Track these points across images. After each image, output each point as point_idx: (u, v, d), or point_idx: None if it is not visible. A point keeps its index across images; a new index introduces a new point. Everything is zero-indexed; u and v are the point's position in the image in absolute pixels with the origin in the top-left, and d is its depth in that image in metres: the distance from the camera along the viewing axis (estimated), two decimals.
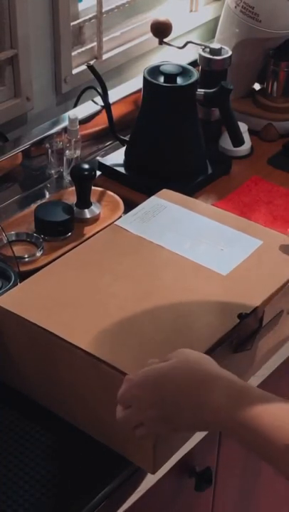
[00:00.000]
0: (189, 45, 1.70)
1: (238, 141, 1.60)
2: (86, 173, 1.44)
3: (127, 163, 1.60)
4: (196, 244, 1.23)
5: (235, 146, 1.62)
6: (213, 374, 0.91)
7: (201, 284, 1.15)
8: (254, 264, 1.19)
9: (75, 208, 1.44)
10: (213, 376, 0.91)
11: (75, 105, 1.69)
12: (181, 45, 1.70)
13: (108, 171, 1.60)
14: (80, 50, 1.70)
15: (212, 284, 1.15)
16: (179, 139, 1.56)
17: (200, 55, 1.67)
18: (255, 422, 0.86)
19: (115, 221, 1.31)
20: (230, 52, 1.67)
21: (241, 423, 0.87)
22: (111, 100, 1.64)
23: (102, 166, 1.60)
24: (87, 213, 1.45)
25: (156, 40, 1.68)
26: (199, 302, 1.11)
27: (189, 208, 1.31)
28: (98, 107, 1.66)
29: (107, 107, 1.63)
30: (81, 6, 1.70)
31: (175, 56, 1.76)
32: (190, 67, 1.56)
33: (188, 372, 0.92)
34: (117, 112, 1.67)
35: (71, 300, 1.11)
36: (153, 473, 1.07)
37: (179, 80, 1.53)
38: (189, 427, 0.97)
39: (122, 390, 0.95)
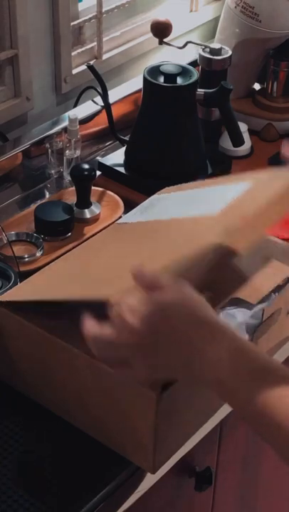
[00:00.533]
0: (189, 45, 1.70)
1: (238, 141, 1.60)
2: (86, 173, 1.44)
3: (127, 163, 1.60)
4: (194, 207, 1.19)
5: (235, 146, 1.62)
6: (219, 323, 0.86)
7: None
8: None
9: (74, 208, 1.44)
10: (219, 325, 0.85)
11: (75, 105, 1.69)
12: (181, 45, 1.70)
13: (108, 171, 1.60)
14: (80, 50, 1.70)
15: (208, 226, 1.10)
16: (179, 139, 1.56)
17: (200, 55, 1.67)
18: (253, 388, 0.82)
19: (115, 221, 1.31)
20: (230, 52, 1.67)
21: (238, 386, 0.83)
22: (111, 100, 1.64)
23: (102, 166, 1.60)
24: (87, 213, 1.45)
25: (156, 40, 1.68)
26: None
27: (190, 188, 1.29)
28: (98, 107, 1.66)
29: (107, 107, 1.63)
30: (81, 6, 1.70)
31: (175, 56, 1.76)
32: (190, 67, 1.56)
33: (191, 312, 0.86)
34: (117, 112, 1.67)
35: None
36: (153, 473, 1.07)
37: (179, 80, 1.53)
38: (175, 368, 0.88)
39: (113, 312, 0.87)
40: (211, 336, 0.85)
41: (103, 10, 1.70)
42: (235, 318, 1.14)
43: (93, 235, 1.33)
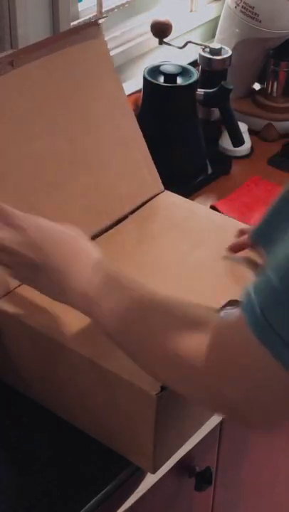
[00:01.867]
0: (189, 45, 1.70)
1: (238, 141, 1.60)
2: None
3: None
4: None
5: (235, 146, 1.62)
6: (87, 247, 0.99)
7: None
8: None
9: None
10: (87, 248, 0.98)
11: None
12: (181, 45, 1.70)
13: None
14: None
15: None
16: (179, 138, 1.56)
17: (200, 55, 1.68)
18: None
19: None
20: (230, 52, 1.67)
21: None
22: None
23: None
24: None
25: (156, 40, 1.68)
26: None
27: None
28: None
29: None
30: (81, 6, 1.70)
31: (175, 56, 1.76)
32: (190, 67, 1.56)
33: (68, 236, 1.00)
34: None
35: None
36: (153, 473, 1.07)
37: (179, 80, 1.53)
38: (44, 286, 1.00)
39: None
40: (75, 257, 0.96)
41: (103, 10, 1.70)
42: None
43: None
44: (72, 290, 0.94)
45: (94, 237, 1.29)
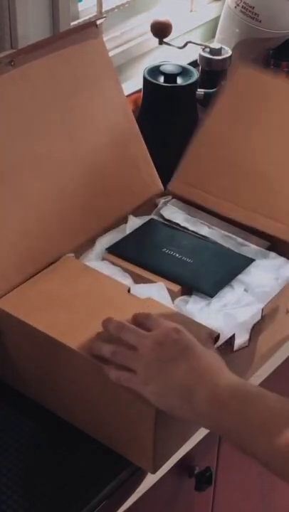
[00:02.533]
0: (189, 45, 1.70)
1: None
2: None
3: None
4: None
5: None
6: (225, 371, 0.95)
7: None
8: None
9: None
10: (224, 372, 0.94)
11: None
12: (181, 45, 1.70)
13: None
14: None
15: None
16: (178, 138, 1.56)
17: (200, 55, 1.68)
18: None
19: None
20: (230, 52, 1.67)
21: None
22: None
23: None
24: None
25: (156, 40, 1.68)
26: None
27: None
28: None
29: None
30: (81, 6, 1.70)
31: (175, 56, 1.76)
32: (190, 67, 1.56)
33: (203, 355, 0.95)
34: None
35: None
36: (153, 473, 1.07)
37: (179, 80, 1.53)
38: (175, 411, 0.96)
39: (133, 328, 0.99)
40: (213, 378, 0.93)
41: (103, 10, 1.70)
42: (236, 318, 1.14)
43: None
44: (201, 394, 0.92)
45: (94, 237, 1.29)
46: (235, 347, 1.07)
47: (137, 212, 1.35)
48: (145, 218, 1.34)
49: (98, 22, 1.30)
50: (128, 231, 1.31)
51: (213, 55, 1.67)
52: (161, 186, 1.39)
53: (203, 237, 1.29)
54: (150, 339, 0.96)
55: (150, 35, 1.68)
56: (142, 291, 1.18)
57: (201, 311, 1.17)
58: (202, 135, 1.34)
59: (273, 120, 1.26)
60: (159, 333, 0.97)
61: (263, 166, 1.28)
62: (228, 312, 1.15)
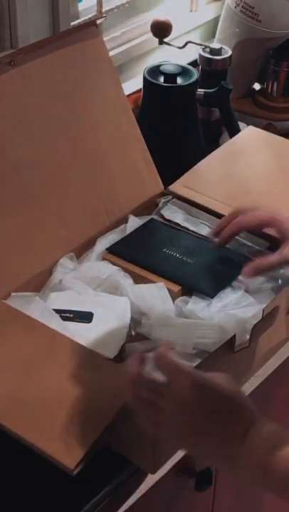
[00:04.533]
0: (189, 45, 1.70)
1: None
2: None
3: None
4: None
5: None
6: (260, 417, 0.89)
7: None
8: None
9: None
10: (259, 418, 0.89)
11: None
12: (181, 45, 1.70)
13: None
14: None
15: None
16: (179, 139, 1.56)
17: (200, 55, 1.67)
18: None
19: None
20: (230, 52, 1.67)
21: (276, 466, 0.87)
22: None
23: None
24: None
25: (156, 40, 1.68)
26: None
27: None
28: None
29: None
30: (81, 6, 1.70)
31: (175, 56, 1.76)
32: (190, 67, 1.56)
33: (237, 399, 0.89)
34: None
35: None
36: (153, 473, 1.06)
37: (179, 80, 1.53)
38: (207, 448, 0.91)
39: (163, 362, 0.89)
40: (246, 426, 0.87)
41: (103, 10, 1.70)
42: (236, 318, 1.14)
43: None
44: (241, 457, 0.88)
45: (94, 237, 1.29)
46: (236, 347, 1.07)
47: (137, 212, 1.35)
48: (145, 218, 1.34)
49: (98, 22, 1.30)
50: (128, 231, 1.31)
51: (213, 55, 1.66)
52: (162, 186, 1.39)
53: (204, 237, 1.29)
54: (171, 401, 0.88)
55: (150, 35, 1.68)
56: (141, 291, 1.18)
57: (201, 311, 1.17)
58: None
59: None
60: (178, 390, 0.88)
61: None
62: (228, 312, 1.15)
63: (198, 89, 1.56)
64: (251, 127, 1.54)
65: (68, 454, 0.91)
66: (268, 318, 1.12)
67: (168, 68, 1.53)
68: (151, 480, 1.09)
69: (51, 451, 0.92)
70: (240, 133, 1.54)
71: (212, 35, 1.97)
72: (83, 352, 1.03)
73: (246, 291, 1.20)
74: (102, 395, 0.96)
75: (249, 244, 1.27)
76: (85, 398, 0.96)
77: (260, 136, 1.52)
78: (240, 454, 0.87)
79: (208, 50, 1.67)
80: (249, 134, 1.52)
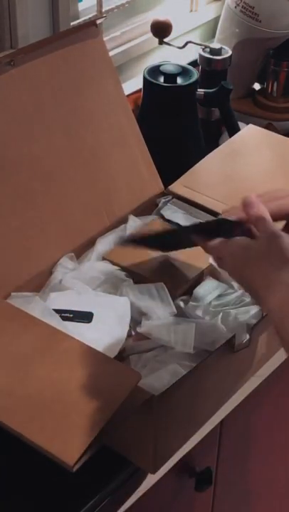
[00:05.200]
0: (189, 45, 1.70)
1: None
2: None
3: None
4: None
5: None
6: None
7: None
8: None
9: None
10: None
11: None
12: (181, 45, 1.70)
13: None
14: None
15: None
16: (179, 139, 1.56)
17: (200, 55, 1.67)
18: None
19: None
20: (230, 52, 1.67)
21: None
22: None
23: None
24: None
25: (156, 40, 1.68)
26: None
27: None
28: None
29: None
30: (81, 6, 1.70)
31: (175, 56, 1.76)
32: (190, 67, 1.56)
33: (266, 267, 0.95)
34: None
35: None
36: (153, 473, 1.06)
37: (179, 80, 1.53)
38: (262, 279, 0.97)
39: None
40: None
41: (103, 10, 1.70)
42: (236, 318, 1.14)
43: None
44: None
45: (94, 237, 1.29)
46: (236, 347, 1.07)
47: (137, 212, 1.35)
48: (145, 218, 1.34)
49: (98, 21, 1.29)
50: (128, 231, 1.31)
51: (213, 55, 1.66)
52: (162, 186, 1.39)
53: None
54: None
55: (150, 35, 1.68)
56: (141, 291, 1.18)
57: (201, 311, 1.17)
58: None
59: None
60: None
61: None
62: (228, 312, 1.15)
63: (198, 89, 1.56)
64: (251, 126, 1.53)
65: (68, 451, 0.91)
66: (267, 318, 1.12)
67: (168, 68, 1.53)
68: (151, 480, 1.09)
69: (50, 448, 0.92)
70: (240, 131, 1.54)
71: (212, 35, 1.97)
72: (83, 349, 1.03)
73: None
74: (101, 392, 0.96)
75: None
76: (84, 395, 0.96)
77: (260, 134, 1.51)
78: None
79: (208, 50, 1.67)
80: (249, 133, 1.52)
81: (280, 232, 0.97)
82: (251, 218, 0.99)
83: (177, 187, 1.38)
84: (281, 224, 1.02)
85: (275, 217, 1.02)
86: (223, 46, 1.68)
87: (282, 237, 0.97)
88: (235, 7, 1.75)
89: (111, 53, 1.75)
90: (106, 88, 1.33)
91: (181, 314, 1.17)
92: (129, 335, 1.14)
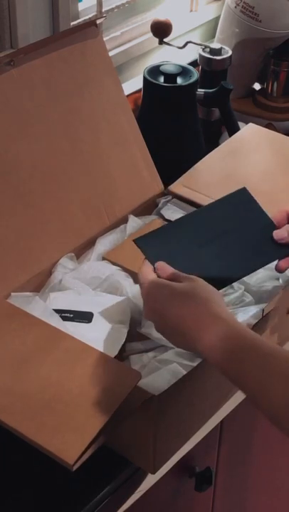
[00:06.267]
0: (189, 45, 1.70)
1: None
2: None
3: None
4: None
5: None
6: (215, 315, 0.93)
7: None
8: None
9: None
10: (213, 316, 0.93)
11: None
12: (181, 45, 1.70)
13: None
14: None
15: None
16: (179, 138, 1.56)
17: (200, 55, 1.67)
18: (241, 373, 0.89)
19: None
20: (230, 52, 1.67)
21: (229, 369, 0.90)
22: None
23: None
24: None
25: (156, 40, 1.68)
26: None
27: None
28: None
29: None
30: (81, 6, 1.70)
31: (175, 56, 1.76)
32: (190, 67, 1.56)
33: (194, 306, 0.94)
34: None
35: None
36: (153, 473, 1.06)
37: (179, 80, 1.53)
38: (181, 348, 1.00)
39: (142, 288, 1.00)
40: (206, 325, 0.92)
41: (103, 10, 1.70)
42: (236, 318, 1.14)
43: None
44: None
45: (94, 237, 1.29)
46: None
47: (137, 212, 1.35)
48: (145, 218, 1.34)
49: (98, 22, 1.29)
50: (128, 231, 1.31)
51: (213, 55, 1.66)
52: (162, 186, 1.39)
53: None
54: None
55: (150, 35, 1.68)
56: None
57: None
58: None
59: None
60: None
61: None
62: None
63: (198, 89, 1.56)
64: (251, 124, 1.53)
65: (68, 450, 0.91)
66: (267, 318, 1.12)
67: (168, 68, 1.53)
68: (151, 480, 1.09)
69: (50, 447, 0.92)
70: (240, 130, 1.54)
71: (212, 35, 1.97)
72: (83, 348, 1.03)
73: (246, 290, 1.20)
74: (101, 391, 0.96)
75: None
76: (84, 394, 0.96)
77: (260, 133, 1.51)
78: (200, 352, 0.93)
79: (208, 50, 1.67)
80: (249, 132, 1.52)
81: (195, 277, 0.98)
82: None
83: (177, 187, 1.38)
84: None
85: None
86: (223, 46, 1.68)
87: (199, 279, 0.98)
88: (235, 7, 1.75)
89: (111, 53, 1.75)
90: (106, 88, 1.33)
91: None
92: (129, 335, 1.14)
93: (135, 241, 1.07)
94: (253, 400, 0.89)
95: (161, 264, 1.01)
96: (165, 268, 1.01)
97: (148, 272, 1.01)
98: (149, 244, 1.07)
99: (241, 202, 1.15)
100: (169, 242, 1.08)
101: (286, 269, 1.10)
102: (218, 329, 0.92)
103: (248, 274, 1.10)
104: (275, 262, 1.10)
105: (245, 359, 0.89)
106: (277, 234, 1.09)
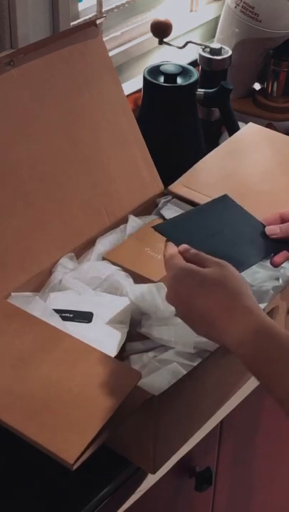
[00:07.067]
0: (189, 45, 1.70)
1: None
2: None
3: None
4: None
5: None
6: (246, 308, 0.91)
7: None
8: None
9: None
10: (244, 309, 0.91)
11: None
12: (181, 45, 1.70)
13: None
14: None
15: None
16: (179, 139, 1.56)
17: (200, 55, 1.67)
18: (273, 373, 0.87)
19: None
20: (230, 52, 1.67)
21: (259, 368, 0.88)
22: None
23: None
24: None
25: (156, 40, 1.68)
26: None
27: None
28: None
29: None
30: (81, 6, 1.70)
31: (175, 56, 1.76)
32: (190, 67, 1.56)
33: (224, 296, 0.92)
34: None
35: None
36: (153, 473, 1.06)
37: (179, 80, 1.53)
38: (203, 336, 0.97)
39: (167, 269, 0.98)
40: (236, 318, 0.91)
41: (103, 10, 1.70)
42: None
43: None
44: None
45: (94, 237, 1.29)
46: None
47: (137, 212, 1.35)
48: (145, 218, 1.34)
49: (98, 22, 1.29)
50: (128, 231, 1.31)
51: (213, 55, 1.66)
52: (162, 186, 1.39)
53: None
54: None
55: (150, 35, 1.68)
56: (141, 291, 1.18)
57: None
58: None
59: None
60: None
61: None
62: None
63: (198, 89, 1.56)
64: (251, 124, 1.53)
65: (68, 449, 0.91)
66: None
67: (168, 68, 1.53)
68: (151, 480, 1.09)
69: (50, 447, 0.92)
70: (240, 130, 1.54)
71: (212, 35, 1.97)
72: (83, 348, 1.03)
73: None
74: (101, 391, 0.96)
75: None
76: (84, 394, 0.96)
77: (260, 133, 1.51)
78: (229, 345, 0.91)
79: (208, 50, 1.67)
80: (249, 131, 1.52)
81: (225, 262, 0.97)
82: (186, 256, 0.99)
83: (177, 187, 1.38)
84: None
85: None
86: (223, 46, 1.68)
87: (229, 266, 0.96)
88: (235, 7, 1.75)
89: (111, 53, 1.76)
90: (106, 88, 1.33)
91: None
92: (129, 335, 1.14)
93: (155, 227, 1.08)
94: (281, 403, 0.86)
95: (186, 247, 1.00)
96: (191, 250, 0.99)
97: (174, 254, 0.99)
98: (169, 230, 1.08)
99: (227, 207, 1.17)
100: (186, 229, 1.10)
101: (281, 264, 1.11)
102: (249, 323, 0.89)
103: (245, 270, 1.10)
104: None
105: (279, 359, 0.86)
106: (270, 230, 1.12)
